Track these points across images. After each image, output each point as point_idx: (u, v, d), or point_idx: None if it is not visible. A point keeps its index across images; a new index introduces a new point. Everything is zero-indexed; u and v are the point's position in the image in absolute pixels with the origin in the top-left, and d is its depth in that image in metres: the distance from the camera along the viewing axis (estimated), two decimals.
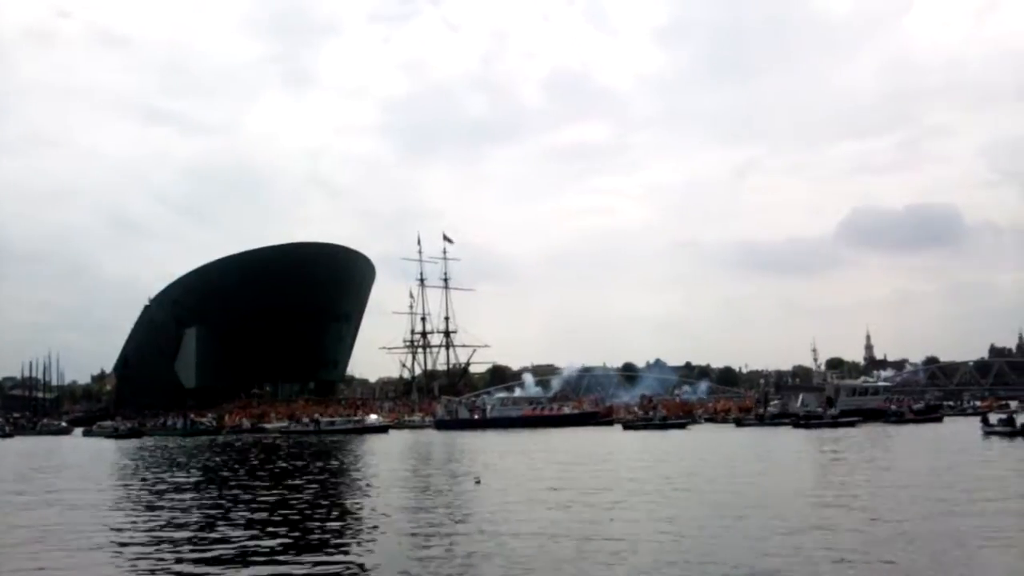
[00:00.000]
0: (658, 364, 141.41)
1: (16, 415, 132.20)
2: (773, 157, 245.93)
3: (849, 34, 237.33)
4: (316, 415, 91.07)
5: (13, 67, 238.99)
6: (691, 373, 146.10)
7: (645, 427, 71.28)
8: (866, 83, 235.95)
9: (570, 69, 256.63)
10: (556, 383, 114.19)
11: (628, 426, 73.94)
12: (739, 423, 73.48)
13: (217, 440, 73.74)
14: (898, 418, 69.22)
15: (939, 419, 69.56)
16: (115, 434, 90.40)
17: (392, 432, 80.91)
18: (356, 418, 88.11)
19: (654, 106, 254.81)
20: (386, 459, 43.66)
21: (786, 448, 42.97)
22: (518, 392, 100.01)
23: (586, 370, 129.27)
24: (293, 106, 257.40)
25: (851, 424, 62.99)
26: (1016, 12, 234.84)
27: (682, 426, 72.43)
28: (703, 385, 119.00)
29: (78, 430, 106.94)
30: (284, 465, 38.71)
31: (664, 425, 71.59)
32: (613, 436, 61.59)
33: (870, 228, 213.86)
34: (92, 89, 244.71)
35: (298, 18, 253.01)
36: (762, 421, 72.13)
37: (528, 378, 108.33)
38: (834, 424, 62.97)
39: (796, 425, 64.15)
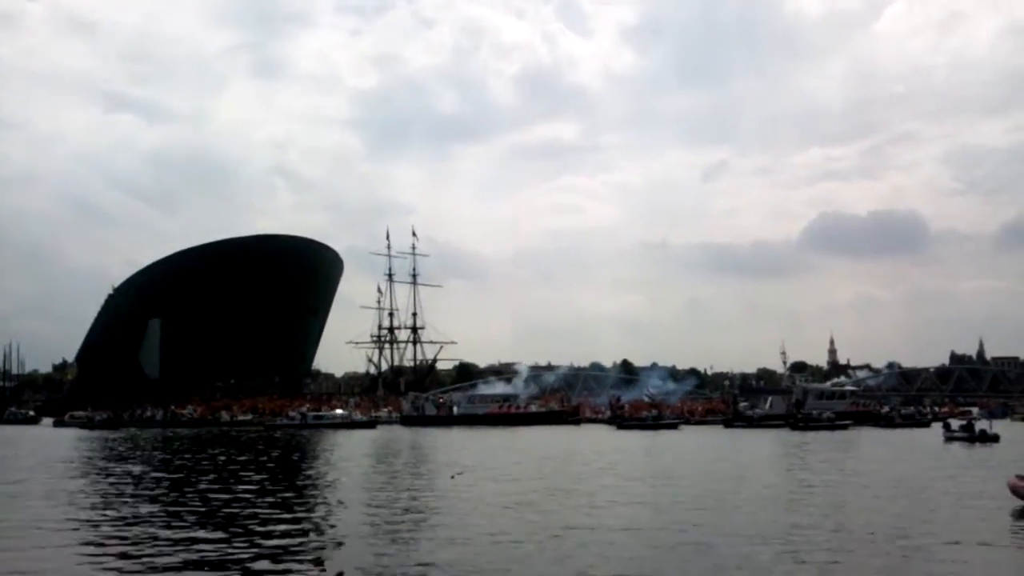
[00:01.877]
0: (654, 367, 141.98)
1: None
2: (740, 160, 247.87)
3: (819, 40, 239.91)
4: (303, 409, 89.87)
5: None
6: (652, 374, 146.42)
7: (639, 427, 71.25)
8: (834, 89, 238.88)
9: (541, 67, 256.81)
10: (552, 379, 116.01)
11: (622, 425, 73.90)
12: (728, 424, 73.56)
13: (210, 432, 72.46)
14: (887, 422, 70.77)
15: (927, 424, 70.97)
16: (90, 424, 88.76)
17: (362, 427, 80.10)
18: (343, 412, 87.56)
19: (624, 106, 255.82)
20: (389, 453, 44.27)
21: (836, 458, 37.58)
22: (515, 385, 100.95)
23: (578, 369, 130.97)
24: (261, 96, 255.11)
25: (844, 427, 64.69)
26: (981, 23, 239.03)
27: (674, 426, 72.41)
28: (688, 384, 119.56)
29: (47, 420, 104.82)
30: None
31: (656, 425, 71.61)
32: (603, 436, 61.29)
33: (835, 233, 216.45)
34: (56, 74, 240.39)
35: (268, 7, 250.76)
36: (751, 423, 72.30)
37: (523, 370, 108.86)
38: (831, 427, 64.29)
39: (795, 427, 64.87)
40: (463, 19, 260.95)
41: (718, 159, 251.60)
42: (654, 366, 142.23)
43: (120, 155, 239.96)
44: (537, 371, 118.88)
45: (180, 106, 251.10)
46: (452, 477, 27.44)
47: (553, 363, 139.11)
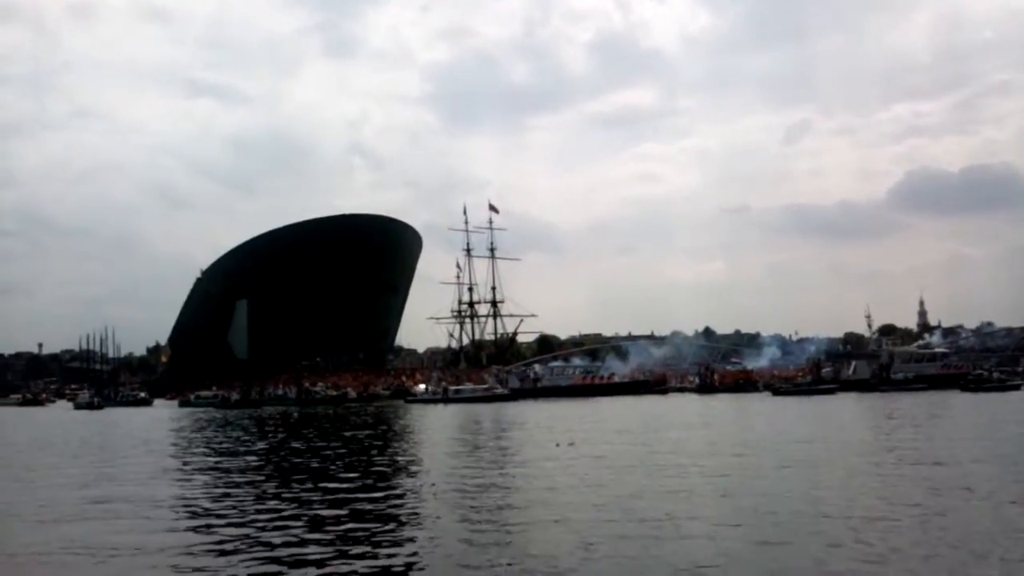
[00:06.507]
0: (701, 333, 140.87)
1: (75, 386, 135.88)
2: (823, 120, 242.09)
3: None
4: (444, 384, 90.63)
5: (57, 43, 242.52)
6: (742, 340, 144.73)
7: (795, 393, 69.54)
8: (919, 42, 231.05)
9: (615, 33, 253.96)
10: (686, 348, 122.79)
11: (777, 392, 72.39)
12: (875, 388, 70.08)
13: (348, 408, 71.87)
14: None
15: None
16: (223, 404, 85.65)
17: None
18: (485, 386, 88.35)
19: (701, 69, 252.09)
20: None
21: None
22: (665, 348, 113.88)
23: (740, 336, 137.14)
24: (335, 75, 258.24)
25: (1016, 387, 64.34)
26: None
27: (831, 392, 68.98)
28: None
29: (158, 400, 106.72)
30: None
31: (811, 391, 69.52)
32: (767, 405, 56.03)
33: (924, 192, 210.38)
34: (134, 63, 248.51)
35: None
36: (897, 386, 69.46)
37: (678, 339, 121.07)
38: (1002, 388, 63.82)
39: (964, 389, 63.30)
40: None
41: (800, 120, 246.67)
42: (737, 333, 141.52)
43: (200, 141, 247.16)
44: (690, 339, 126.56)
45: (256, 89, 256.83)
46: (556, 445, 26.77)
47: (634, 333, 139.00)
